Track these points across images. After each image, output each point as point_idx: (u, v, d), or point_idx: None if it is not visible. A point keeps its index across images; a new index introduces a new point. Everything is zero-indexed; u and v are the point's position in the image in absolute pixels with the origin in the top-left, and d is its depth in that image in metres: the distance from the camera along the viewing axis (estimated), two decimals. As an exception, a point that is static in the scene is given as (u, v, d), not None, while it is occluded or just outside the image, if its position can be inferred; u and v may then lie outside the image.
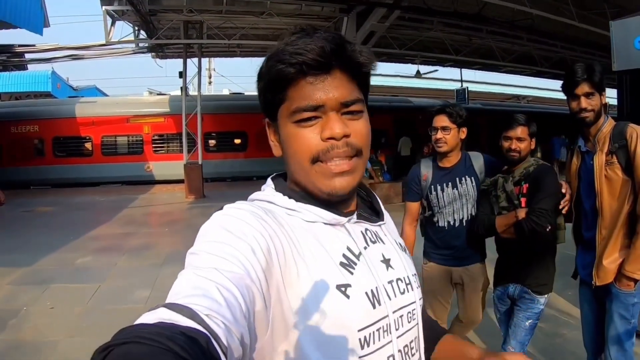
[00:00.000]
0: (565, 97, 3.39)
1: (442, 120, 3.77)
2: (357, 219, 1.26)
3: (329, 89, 1.13)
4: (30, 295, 7.16)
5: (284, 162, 1.23)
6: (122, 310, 6.37)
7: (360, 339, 1.09)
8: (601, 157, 3.29)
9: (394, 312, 1.18)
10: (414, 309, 1.27)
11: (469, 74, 29.45)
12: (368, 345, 1.11)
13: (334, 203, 1.20)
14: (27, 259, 9.19)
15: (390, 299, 1.18)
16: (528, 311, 3.63)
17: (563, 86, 3.39)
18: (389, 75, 32.37)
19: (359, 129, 1.17)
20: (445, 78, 32.73)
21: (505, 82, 36.78)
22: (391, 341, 1.17)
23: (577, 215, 3.60)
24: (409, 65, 26.50)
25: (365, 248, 1.21)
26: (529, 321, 3.64)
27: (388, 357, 1.16)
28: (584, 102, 3.23)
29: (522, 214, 3.42)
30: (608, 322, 3.39)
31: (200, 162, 18.77)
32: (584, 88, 3.22)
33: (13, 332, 5.83)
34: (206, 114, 21.03)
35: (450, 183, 3.89)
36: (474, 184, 3.86)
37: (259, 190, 1.28)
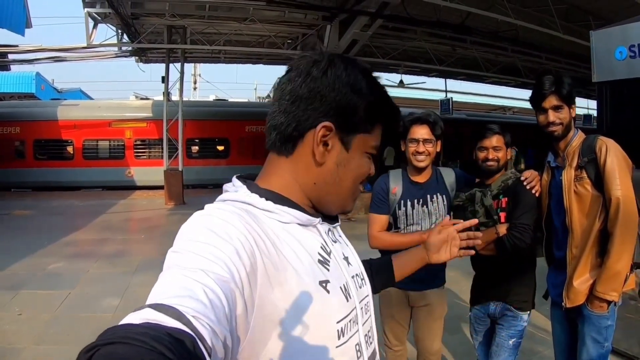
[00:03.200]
0: None
1: (424, 132, 3.52)
2: (322, 220, 1.31)
3: None
4: (-2, 300, 7.09)
5: (314, 173, 1.25)
6: (90, 319, 6.26)
7: (338, 330, 1.17)
8: (570, 172, 3.16)
9: (359, 303, 1.29)
10: (369, 301, 1.39)
11: (454, 84, 29.56)
12: (343, 336, 1.19)
13: (303, 205, 1.26)
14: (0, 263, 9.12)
15: (355, 292, 1.28)
16: (511, 329, 3.49)
17: (531, 98, 3.26)
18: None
19: None
20: (430, 88, 32.75)
21: (491, 93, 36.94)
22: (357, 330, 1.26)
23: (548, 233, 3.44)
24: (393, 74, 26.46)
25: (332, 246, 1.29)
26: (513, 339, 3.49)
27: (355, 345, 1.24)
28: (552, 116, 3.11)
29: (502, 229, 3.28)
30: (580, 346, 3.24)
31: (180, 169, 18.64)
32: (551, 101, 3.10)
33: (-23, 338, 5.75)
34: (189, 120, 20.97)
35: (421, 200, 3.65)
36: (445, 202, 3.65)
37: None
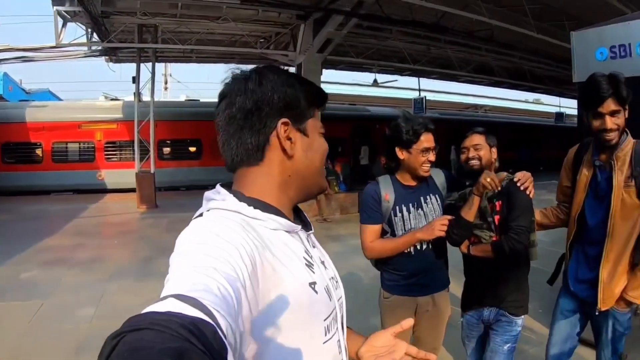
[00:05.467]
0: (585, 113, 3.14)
1: (431, 139, 3.41)
2: (301, 227, 1.41)
3: None
4: (-32, 313, 6.82)
5: (288, 167, 1.36)
6: (66, 330, 6.00)
7: (324, 327, 1.30)
8: (620, 178, 3.06)
9: (337, 302, 1.40)
10: (343, 301, 1.49)
11: (428, 83, 29.66)
12: (329, 332, 1.32)
13: (285, 212, 1.35)
14: (-31, 272, 8.87)
15: (334, 292, 1.39)
16: (506, 334, 3.47)
17: (583, 101, 3.14)
18: (347, 83, 32.47)
19: None
20: (404, 87, 32.82)
21: (463, 91, 37.26)
22: (337, 328, 1.39)
23: (579, 228, 3.37)
24: (367, 73, 26.50)
25: (312, 251, 1.40)
26: (508, 345, 3.47)
27: (337, 341, 1.38)
28: (610, 122, 2.94)
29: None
30: (603, 335, 3.33)
31: (152, 171, 18.33)
32: (609, 105, 2.91)
33: (-56, 356, 5.48)
34: (160, 121, 20.55)
35: (415, 203, 3.51)
36: (438, 201, 3.55)
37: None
